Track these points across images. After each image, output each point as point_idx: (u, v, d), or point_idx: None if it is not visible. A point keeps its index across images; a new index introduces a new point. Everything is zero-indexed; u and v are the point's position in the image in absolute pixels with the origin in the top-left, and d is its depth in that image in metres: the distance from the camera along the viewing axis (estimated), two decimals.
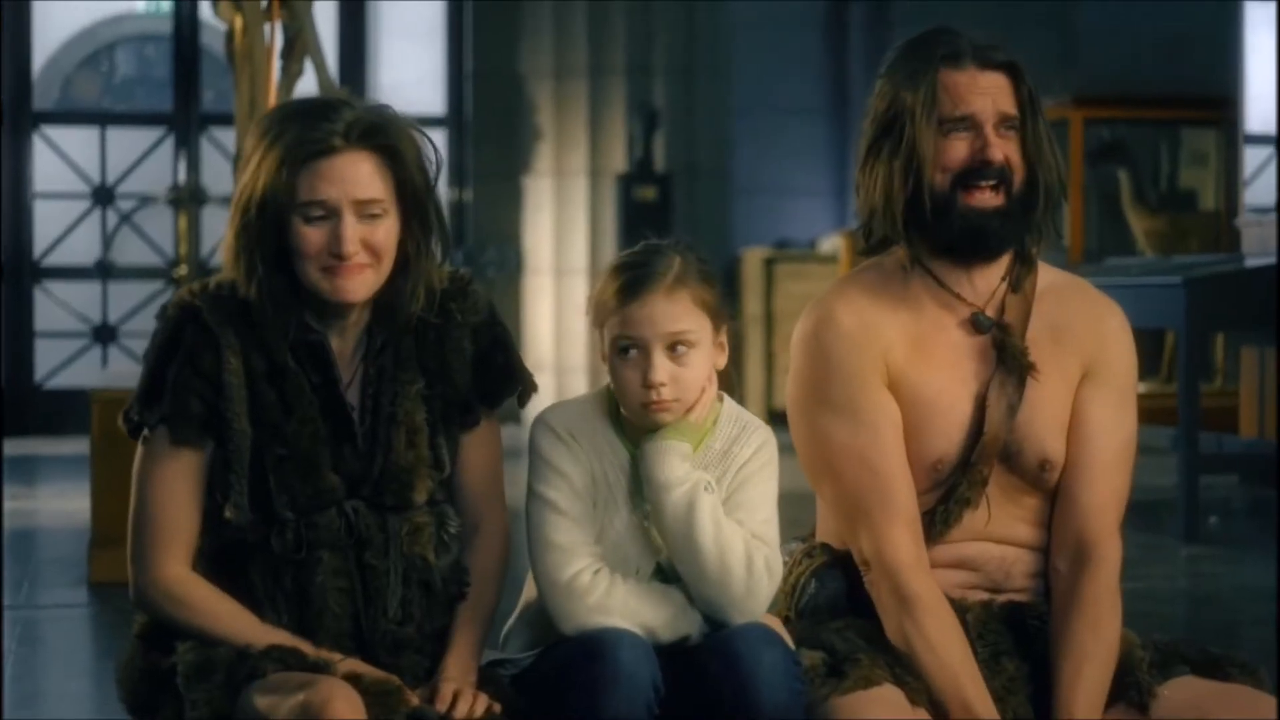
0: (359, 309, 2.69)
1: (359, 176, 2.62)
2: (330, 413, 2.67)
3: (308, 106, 2.70)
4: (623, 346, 2.66)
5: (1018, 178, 2.77)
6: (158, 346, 2.66)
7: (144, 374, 2.68)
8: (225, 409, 2.62)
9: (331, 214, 2.61)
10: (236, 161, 6.74)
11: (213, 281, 2.70)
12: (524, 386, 2.80)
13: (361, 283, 2.64)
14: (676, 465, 2.65)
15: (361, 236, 2.62)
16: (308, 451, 2.64)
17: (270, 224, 2.62)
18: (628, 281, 2.65)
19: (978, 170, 2.75)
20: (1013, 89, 2.77)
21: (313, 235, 2.62)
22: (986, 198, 2.76)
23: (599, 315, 2.69)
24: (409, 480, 2.67)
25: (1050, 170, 2.78)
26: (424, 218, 2.68)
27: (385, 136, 2.64)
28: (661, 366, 2.64)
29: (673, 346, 2.65)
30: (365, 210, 2.62)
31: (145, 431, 2.68)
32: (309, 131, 2.61)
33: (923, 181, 2.75)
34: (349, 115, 2.63)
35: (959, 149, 2.75)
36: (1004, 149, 2.75)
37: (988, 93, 2.75)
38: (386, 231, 2.64)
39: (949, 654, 2.69)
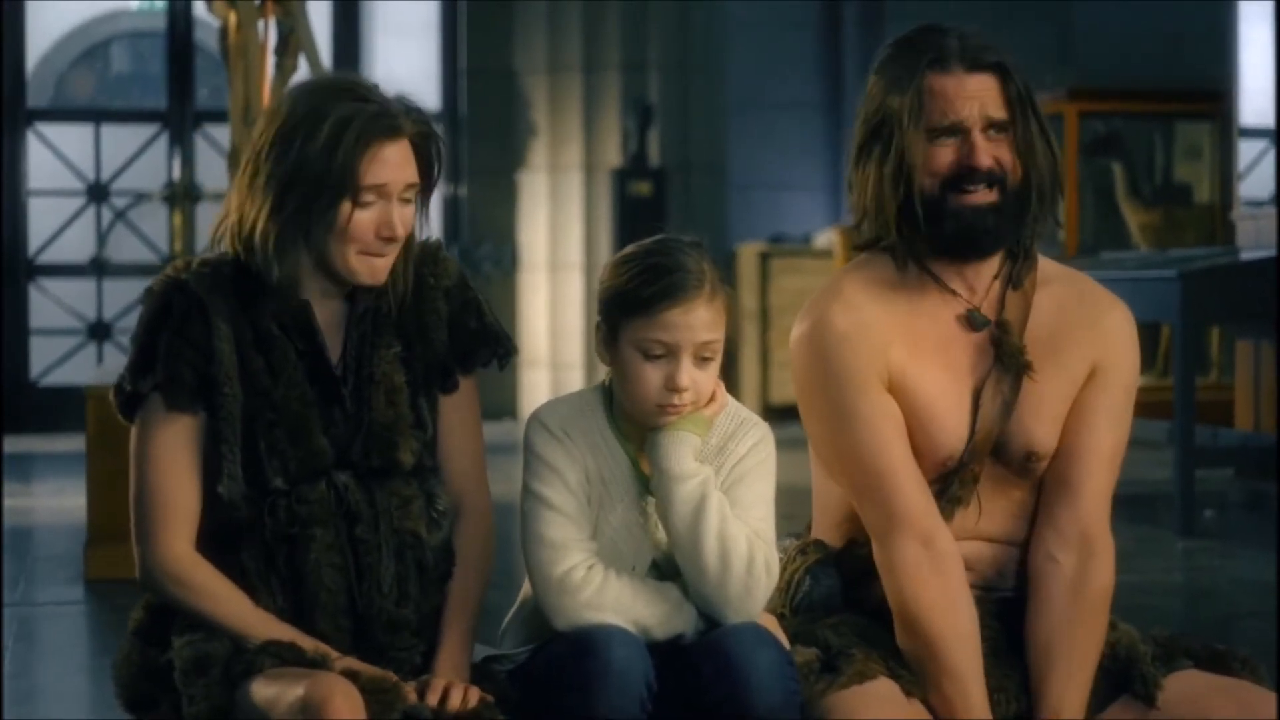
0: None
1: (410, 160, 2.68)
2: (316, 378, 2.69)
3: (347, 85, 2.71)
4: (650, 347, 2.64)
5: (1012, 176, 2.74)
6: (147, 319, 2.69)
7: (134, 346, 2.69)
8: (216, 373, 2.64)
9: (385, 197, 2.66)
10: (231, 158, 6.72)
11: (195, 260, 2.72)
12: (502, 349, 2.81)
13: (389, 264, 2.70)
14: (689, 457, 2.64)
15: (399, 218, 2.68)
16: (297, 415, 2.66)
17: (315, 204, 2.63)
18: (669, 285, 2.62)
19: (965, 175, 2.73)
20: (1001, 89, 2.74)
21: (364, 218, 2.65)
22: (979, 196, 2.74)
23: (616, 309, 2.66)
24: (392, 439, 2.68)
25: (1042, 168, 2.75)
26: (428, 201, 2.75)
27: (426, 122, 2.72)
28: (688, 372, 2.63)
29: (701, 352, 2.64)
30: (406, 194, 2.68)
31: (139, 413, 2.68)
32: (379, 113, 2.65)
33: (913, 185, 2.74)
34: (386, 97, 2.69)
35: (946, 155, 2.73)
36: (993, 152, 2.73)
37: (975, 97, 2.72)
38: (413, 213, 2.71)
39: (958, 640, 2.69)
